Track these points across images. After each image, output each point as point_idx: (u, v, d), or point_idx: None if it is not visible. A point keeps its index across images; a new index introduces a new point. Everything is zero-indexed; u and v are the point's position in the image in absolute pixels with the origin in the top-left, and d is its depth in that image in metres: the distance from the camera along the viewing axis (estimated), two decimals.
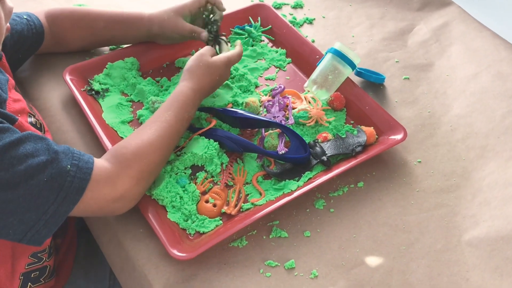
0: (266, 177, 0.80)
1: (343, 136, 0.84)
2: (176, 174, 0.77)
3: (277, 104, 0.88)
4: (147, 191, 0.74)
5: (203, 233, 0.72)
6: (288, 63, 0.99)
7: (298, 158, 0.80)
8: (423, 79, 0.98)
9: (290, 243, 0.73)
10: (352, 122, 0.89)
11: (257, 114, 0.86)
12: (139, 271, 0.69)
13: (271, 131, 0.85)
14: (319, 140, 0.84)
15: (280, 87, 0.92)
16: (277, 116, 0.86)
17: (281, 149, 0.80)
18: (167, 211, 0.73)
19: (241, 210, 0.75)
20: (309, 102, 0.90)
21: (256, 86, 0.94)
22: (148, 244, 0.71)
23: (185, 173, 0.78)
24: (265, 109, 0.89)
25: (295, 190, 0.75)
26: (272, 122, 0.83)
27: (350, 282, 0.69)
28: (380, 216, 0.76)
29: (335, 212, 0.76)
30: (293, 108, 0.88)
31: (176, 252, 0.67)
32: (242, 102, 0.88)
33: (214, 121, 0.83)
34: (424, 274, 0.70)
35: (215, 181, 0.79)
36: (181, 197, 0.74)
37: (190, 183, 0.77)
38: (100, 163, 0.67)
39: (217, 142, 0.80)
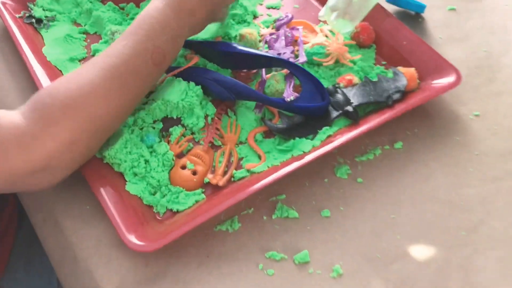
0: (267, 134, 0.60)
1: (374, 80, 0.62)
2: (141, 129, 0.57)
3: (282, 37, 0.66)
4: (97, 153, 0.53)
5: (178, 211, 0.53)
6: None
7: (313, 108, 0.59)
8: (474, 10, 0.77)
9: (302, 226, 0.54)
10: (383, 63, 0.67)
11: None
12: (83, 266, 0.50)
13: (275, 72, 0.63)
14: (341, 85, 0.62)
15: (286, 16, 0.70)
16: (284, 53, 0.64)
17: (289, 95, 0.58)
18: (125, 181, 0.54)
19: (232, 179, 0.56)
20: (326, 36, 0.67)
21: (255, 16, 0.72)
22: (96, 227, 0.52)
23: (153, 127, 0.58)
24: (266, 45, 0.66)
25: (309, 153, 0.56)
26: (277, 59, 0.61)
27: (388, 282, 0.50)
28: (428, 188, 0.57)
29: (364, 183, 0.57)
30: (305, 43, 0.66)
31: (133, 240, 0.47)
32: (235, 35, 0.66)
33: (196, 58, 0.62)
34: (495, 271, 0.51)
35: (197, 140, 0.59)
36: (146, 161, 0.54)
37: (160, 141, 0.57)
38: (11, 119, 0.47)
39: (200, 86, 0.59)
